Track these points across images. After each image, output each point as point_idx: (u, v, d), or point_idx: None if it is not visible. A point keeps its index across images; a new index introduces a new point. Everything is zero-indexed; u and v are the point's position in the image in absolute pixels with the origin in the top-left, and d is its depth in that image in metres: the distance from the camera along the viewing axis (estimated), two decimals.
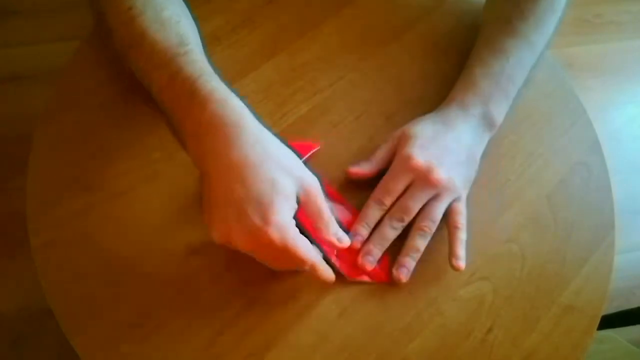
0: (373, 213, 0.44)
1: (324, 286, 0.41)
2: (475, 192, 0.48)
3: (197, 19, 0.45)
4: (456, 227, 0.44)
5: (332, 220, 0.38)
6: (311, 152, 0.47)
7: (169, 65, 0.38)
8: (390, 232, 0.43)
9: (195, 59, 0.39)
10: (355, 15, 0.55)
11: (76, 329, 0.39)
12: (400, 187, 0.43)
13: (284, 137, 0.38)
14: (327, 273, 0.39)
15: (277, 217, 0.34)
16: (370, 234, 0.44)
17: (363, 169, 0.46)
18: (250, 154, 0.35)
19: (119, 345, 0.39)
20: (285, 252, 0.35)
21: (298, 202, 0.37)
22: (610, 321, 0.78)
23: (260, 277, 0.43)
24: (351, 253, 0.43)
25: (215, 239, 0.36)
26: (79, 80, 0.48)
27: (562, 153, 0.52)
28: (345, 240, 0.39)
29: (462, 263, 0.42)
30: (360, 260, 0.43)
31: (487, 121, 0.47)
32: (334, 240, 0.38)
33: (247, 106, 0.38)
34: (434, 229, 0.43)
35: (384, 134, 0.50)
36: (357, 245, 0.43)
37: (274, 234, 0.34)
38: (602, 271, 0.47)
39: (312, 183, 0.37)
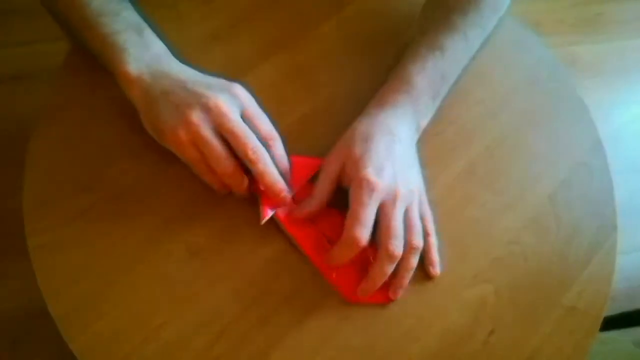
0: (348, 253, 0.40)
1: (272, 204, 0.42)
2: (477, 193, 0.47)
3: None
4: (428, 234, 0.43)
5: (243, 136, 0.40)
6: (317, 170, 0.44)
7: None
8: (410, 259, 0.42)
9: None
10: (356, 14, 0.55)
11: (74, 331, 0.39)
12: (373, 216, 0.40)
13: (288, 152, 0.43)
14: (276, 184, 0.41)
15: (188, 115, 0.38)
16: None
17: (311, 208, 0.42)
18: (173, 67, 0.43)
19: (118, 348, 0.39)
20: (208, 149, 0.39)
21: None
22: (613, 322, 0.78)
23: (261, 279, 0.42)
24: (351, 275, 0.42)
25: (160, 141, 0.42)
26: (78, 80, 0.48)
27: (564, 153, 0.52)
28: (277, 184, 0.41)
29: (438, 269, 0.43)
30: (391, 293, 0.42)
31: (417, 124, 0.46)
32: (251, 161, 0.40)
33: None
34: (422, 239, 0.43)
35: None
36: (286, 199, 0.42)
37: (193, 126, 0.38)
38: (604, 272, 0.47)
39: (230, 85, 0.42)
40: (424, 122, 0.47)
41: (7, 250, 0.93)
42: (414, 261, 0.42)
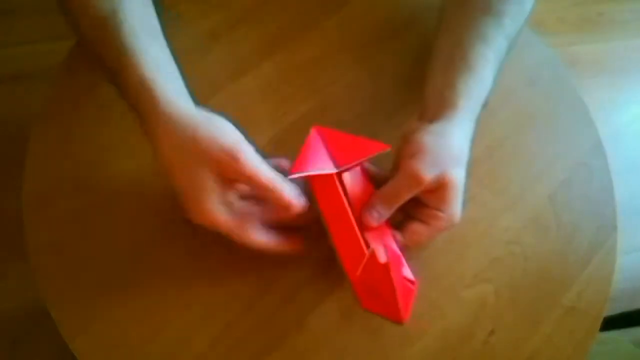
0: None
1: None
2: (477, 193, 0.47)
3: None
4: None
5: (272, 181, 0.37)
6: (376, 152, 0.41)
7: (99, 33, 0.39)
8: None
9: (126, 30, 0.38)
10: (356, 14, 0.55)
11: (74, 331, 0.39)
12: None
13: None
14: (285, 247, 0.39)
15: (202, 207, 0.36)
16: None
17: (382, 219, 0.40)
18: (169, 153, 0.36)
19: (118, 348, 0.39)
20: (231, 235, 0.37)
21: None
22: (612, 322, 0.78)
23: (261, 279, 0.42)
24: (370, 281, 0.39)
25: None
26: (77, 80, 0.48)
27: (564, 153, 0.52)
28: (294, 201, 0.37)
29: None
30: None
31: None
32: (278, 200, 0.37)
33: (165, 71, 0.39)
34: None
35: (384, 133, 0.49)
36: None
37: (205, 222, 0.36)
38: (604, 272, 0.47)
39: (227, 157, 0.36)
40: None
41: (7, 250, 0.93)
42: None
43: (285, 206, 0.37)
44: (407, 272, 0.40)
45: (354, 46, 0.53)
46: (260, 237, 0.38)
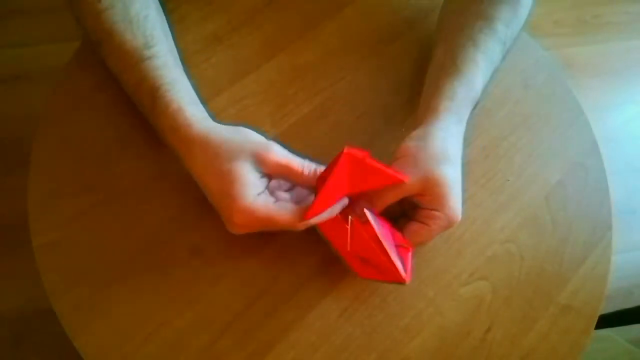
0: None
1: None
2: (474, 192, 0.48)
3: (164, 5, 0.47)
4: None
5: (302, 163, 0.39)
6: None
7: (134, 70, 0.41)
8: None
9: (158, 64, 0.41)
10: (356, 15, 0.55)
11: (79, 329, 0.40)
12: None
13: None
14: (307, 222, 0.39)
15: (240, 202, 0.37)
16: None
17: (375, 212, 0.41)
18: (202, 167, 0.38)
19: (122, 345, 0.40)
20: (268, 224, 0.38)
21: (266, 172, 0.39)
22: (607, 321, 0.78)
23: (260, 279, 0.43)
24: (362, 251, 0.40)
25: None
26: (80, 80, 0.48)
27: (560, 154, 0.52)
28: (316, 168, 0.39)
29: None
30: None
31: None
32: (313, 176, 0.39)
33: (192, 104, 0.40)
34: None
35: (384, 134, 0.50)
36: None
37: (243, 216, 0.37)
38: (599, 271, 0.47)
39: (261, 150, 0.38)
40: None
41: (7, 250, 0.93)
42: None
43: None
44: (398, 236, 0.41)
45: (355, 48, 0.54)
46: (299, 211, 0.38)
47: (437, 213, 0.40)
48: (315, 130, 0.49)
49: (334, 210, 0.39)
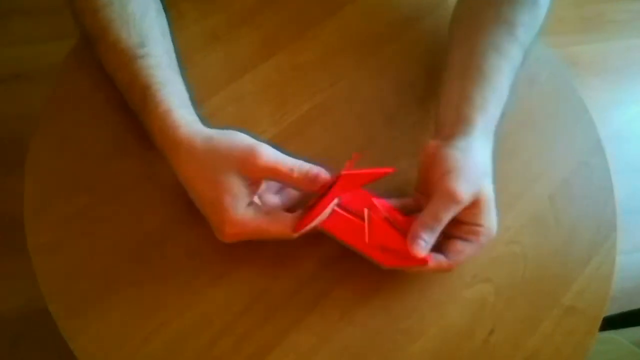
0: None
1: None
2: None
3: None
4: None
5: (292, 165, 0.37)
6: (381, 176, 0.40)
7: (127, 68, 0.41)
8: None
9: (151, 64, 0.41)
10: (356, 15, 0.55)
11: (75, 330, 0.39)
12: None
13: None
14: (300, 232, 0.39)
15: (231, 214, 0.37)
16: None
17: (432, 242, 0.39)
18: (189, 171, 0.38)
19: (119, 347, 0.39)
20: (260, 235, 0.38)
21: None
22: (612, 322, 0.78)
23: (261, 279, 0.42)
24: (381, 240, 0.40)
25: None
26: (77, 80, 0.48)
27: (564, 153, 0.52)
28: (315, 171, 0.38)
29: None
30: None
31: None
32: (304, 178, 0.37)
33: (181, 107, 0.40)
34: None
35: (384, 134, 0.50)
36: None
37: (234, 228, 0.37)
38: (604, 272, 0.47)
39: (247, 156, 0.37)
40: None
41: (7, 250, 0.93)
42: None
43: (312, 179, 0.38)
44: (406, 219, 0.40)
45: (354, 47, 0.53)
46: (291, 220, 0.39)
47: (479, 229, 0.39)
48: (314, 129, 0.49)
49: (325, 215, 0.39)
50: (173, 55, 0.45)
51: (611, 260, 0.48)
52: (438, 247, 0.40)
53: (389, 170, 0.39)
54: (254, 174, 0.37)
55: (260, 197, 0.41)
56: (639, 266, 1.11)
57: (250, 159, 0.37)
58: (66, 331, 0.39)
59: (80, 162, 0.45)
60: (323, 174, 0.38)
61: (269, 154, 0.37)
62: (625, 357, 0.67)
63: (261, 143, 0.38)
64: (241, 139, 0.38)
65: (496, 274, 0.45)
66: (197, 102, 0.43)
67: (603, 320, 0.45)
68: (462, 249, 0.40)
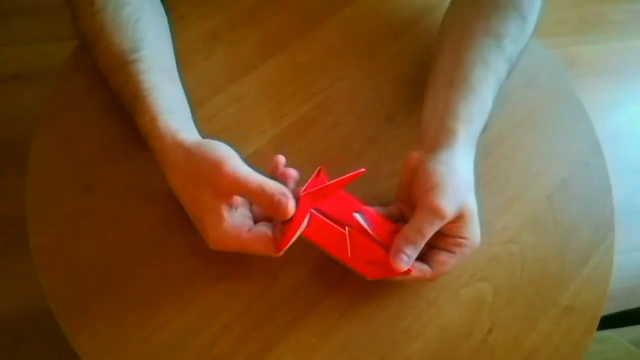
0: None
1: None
2: (476, 192, 0.47)
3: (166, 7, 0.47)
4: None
5: (261, 183, 0.36)
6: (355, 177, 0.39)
7: (119, 72, 0.41)
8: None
9: (141, 68, 0.41)
10: (356, 15, 0.55)
11: (76, 329, 0.39)
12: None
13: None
14: (277, 254, 0.38)
15: (211, 232, 0.37)
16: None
17: (414, 258, 0.39)
18: (175, 181, 0.38)
19: (120, 346, 0.39)
20: (244, 252, 0.38)
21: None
22: (610, 321, 0.78)
23: (260, 279, 0.43)
24: (364, 253, 0.40)
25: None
26: (78, 80, 0.48)
27: (562, 153, 0.52)
28: (277, 198, 0.36)
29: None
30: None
31: None
32: (268, 201, 0.36)
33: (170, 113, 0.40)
34: None
35: (384, 134, 0.50)
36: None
37: (217, 245, 0.37)
38: (602, 271, 0.47)
39: (214, 170, 0.36)
40: None
41: (7, 251, 0.93)
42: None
43: (275, 205, 0.36)
44: (391, 225, 0.40)
45: (354, 48, 0.54)
46: (272, 239, 0.38)
47: (464, 241, 0.40)
48: (314, 129, 0.49)
49: (304, 227, 0.38)
50: (169, 58, 0.45)
51: (609, 260, 0.48)
52: (421, 257, 0.40)
53: (359, 172, 0.37)
54: (221, 189, 0.36)
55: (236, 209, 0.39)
56: (637, 265, 1.11)
57: (217, 173, 0.36)
58: (67, 330, 0.39)
59: (81, 162, 0.45)
60: (283, 203, 0.36)
61: (235, 169, 0.36)
62: (623, 356, 0.67)
63: (232, 156, 0.37)
64: (213, 151, 0.37)
65: (494, 273, 0.46)
66: (198, 102, 0.43)
67: (601, 320, 0.45)
68: (446, 260, 0.40)
